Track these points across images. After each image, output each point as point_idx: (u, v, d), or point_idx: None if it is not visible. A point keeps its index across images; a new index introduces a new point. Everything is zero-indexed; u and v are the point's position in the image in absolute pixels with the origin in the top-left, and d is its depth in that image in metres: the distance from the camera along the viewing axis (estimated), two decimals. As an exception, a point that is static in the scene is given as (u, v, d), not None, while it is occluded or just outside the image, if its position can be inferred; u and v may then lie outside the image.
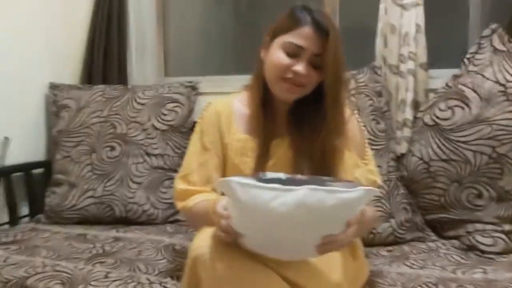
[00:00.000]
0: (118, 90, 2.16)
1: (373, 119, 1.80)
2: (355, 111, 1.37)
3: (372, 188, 0.96)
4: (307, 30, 1.18)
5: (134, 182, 1.98)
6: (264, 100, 1.28)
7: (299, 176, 1.00)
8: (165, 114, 2.07)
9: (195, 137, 1.38)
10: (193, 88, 2.22)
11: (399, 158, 1.80)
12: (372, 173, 1.34)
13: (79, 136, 2.06)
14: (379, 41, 1.86)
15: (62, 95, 2.18)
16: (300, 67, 1.18)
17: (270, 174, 1.00)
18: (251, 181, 0.88)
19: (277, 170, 1.25)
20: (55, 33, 2.23)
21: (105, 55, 2.26)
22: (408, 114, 1.78)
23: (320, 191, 0.87)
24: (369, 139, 1.76)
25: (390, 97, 1.85)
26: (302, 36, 1.18)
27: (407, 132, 1.77)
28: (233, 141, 1.32)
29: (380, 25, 1.85)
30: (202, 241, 1.06)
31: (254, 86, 1.31)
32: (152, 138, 2.04)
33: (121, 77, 2.30)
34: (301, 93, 1.23)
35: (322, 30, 1.16)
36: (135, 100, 2.10)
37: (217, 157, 1.34)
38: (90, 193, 1.97)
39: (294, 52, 1.19)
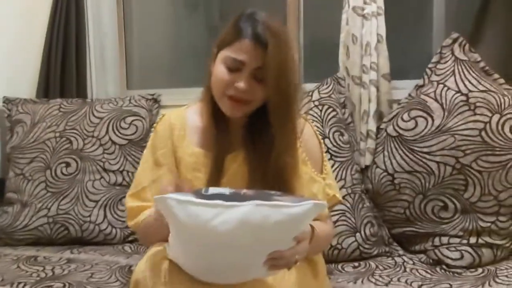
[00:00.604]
0: (76, 104, 2.08)
1: (337, 131, 1.76)
2: (310, 121, 1.31)
3: (320, 202, 0.90)
4: (246, 43, 1.11)
5: (90, 200, 1.89)
6: (217, 113, 1.22)
7: (244, 191, 0.94)
8: (124, 128, 1.99)
9: (147, 152, 1.31)
10: (155, 101, 2.15)
11: (363, 170, 1.76)
12: (331, 187, 1.29)
13: (33, 152, 1.96)
14: (341, 51, 1.83)
15: (17, 110, 2.08)
16: (241, 84, 1.12)
17: (212, 190, 0.93)
18: (190, 198, 0.81)
19: (231, 186, 1.20)
20: (9, 45, 2.14)
21: (62, 68, 2.17)
22: (372, 125, 1.74)
23: (265, 207, 0.81)
24: (333, 151, 1.72)
25: (353, 108, 1.81)
26: (241, 50, 1.12)
27: (371, 143, 1.73)
28: (186, 155, 1.26)
29: (342, 35, 1.82)
30: (144, 264, 0.98)
31: (205, 99, 1.25)
32: (110, 154, 1.96)
33: (80, 90, 2.21)
34: (245, 110, 1.17)
35: (261, 43, 1.10)
36: (93, 114, 2.02)
37: (171, 173, 1.27)
38: (43, 212, 1.87)
39: (235, 67, 1.13)
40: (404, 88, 1.86)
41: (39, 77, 2.20)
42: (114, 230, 1.87)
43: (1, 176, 2.08)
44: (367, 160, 1.73)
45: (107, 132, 1.98)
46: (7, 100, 2.12)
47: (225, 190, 0.93)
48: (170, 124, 1.29)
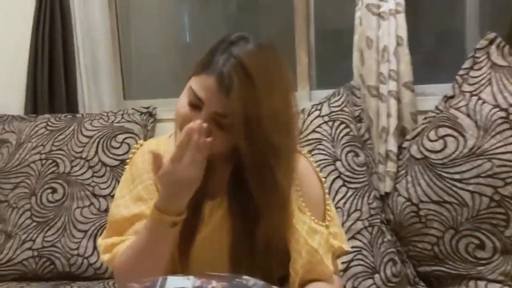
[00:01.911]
0: (64, 121, 1.90)
1: (351, 151, 1.50)
2: (306, 153, 1.06)
3: None
4: (210, 80, 0.88)
5: (78, 230, 1.71)
6: None
7: (213, 285, 0.71)
8: (115, 147, 1.80)
9: (122, 188, 1.09)
10: (150, 114, 1.94)
11: (383, 197, 1.50)
12: (336, 236, 1.05)
13: (18, 177, 1.80)
14: (355, 56, 1.56)
15: (3, 128, 1.92)
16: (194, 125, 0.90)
17: (173, 281, 0.71)
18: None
19: (208, 244, 0.98)
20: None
21: (50, 80, 1.99)
22: (392, 144, 1.48)
23: None
24: (346, 175, 1.47)
25: (371, 122, 1.55)
26: (203, 86, 0.89)
27: (391, 166, 1.47)
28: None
29: (356, 37, 1.55)
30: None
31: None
32: (100, 177, 1.77)
33: (71, 104, 2.02)
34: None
35: (224, 87, 0.87)
36: (81, 132, 1.83)
37: None
38: (28, 245, 1.71)
39: (195, 103, 0.91)
40: (432, 95, 1.59)
41: (26, 91, 2.03)
42: (105, 264, 1.69)
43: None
44: (387, 186, 1.47)
45: (96, 152, 1.79)
46: (-7, 117, 1.96)
47: (188, 283, 0.70)
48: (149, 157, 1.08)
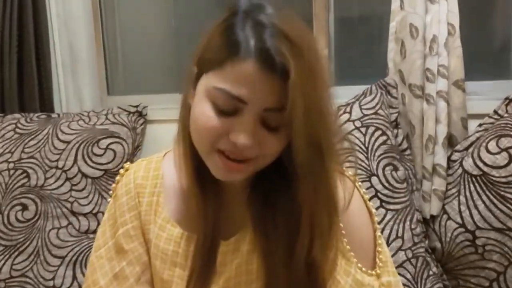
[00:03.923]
0: (36, 122, 1.60)
1: (389, 164, 1.23)
2: (352, 175, 0.80)
3: None
4: (249, 67, 0.61)
5: (54, 256, 1.44)
6: (204, 170, 0.73)
7: None
8: (98, 155, 1.51)
9: (104, 230, 0.83)
10: (140, 114, 1.65)
11: (427, 221, 1.24)
12: (390, 286, 0.78)
13: (-20, 191, 1.50)
14: (393, 48, 1.28)
15: (-38, 130, 1.61)
16: (240, 138, 0.64)
17: None
18: None
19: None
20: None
21: (19, 73, 1.68)
22: (441, 157, 1.21)
23: None
24: (383, 194, 1.20)
25: (411, 129, 1.28)
26: (240, 78, 0.62)
27: (439, 183, 1.21)
28: (161, 239, 0.78)
29: (393, 25, 1.27)
30: None
31: (183, 148, 0.75)
32: (79, 190, 1.49)
33: (45, 101, 1.73)
34: (248, 171, 0.69)
35: (276, 67, 0.60)
36: (57, 137, 1.53)
37: (140, 264, 0.80)
38: (-7, 275, 1.41)
39: (230, 108, 0.64)
40: (483, 94, 1.32)
41: (-9, 86, 1.71)
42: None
43: None
44: (433, 207, 1.21)
45: (75, 161, 1.50)
46: (-47, 117, 1.65)
47: None
48: (136, 186, 0.82)
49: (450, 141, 1.26)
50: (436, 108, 1.20)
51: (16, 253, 1.43)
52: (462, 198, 1.18)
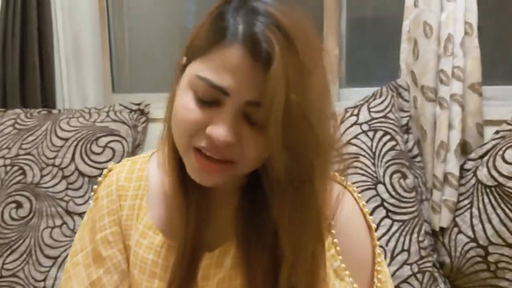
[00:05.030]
0: (37, 118, 1.56)
1: (397, 172, 1.15)
2: (350, 185, 0.72)
3: None
4: (234, 52, 0.56)
5: (46, 256, 1.39)
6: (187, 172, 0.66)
7: None
8: (96, 153, 1.46)
9: (83, 235, 0.78)
10: (142, 112, 1.60)
11: (436, 234, 1.16)
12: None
13: (-23, 186, 1.46)
14: (405, 47, 1.20)
15: (-36, 124, 1.58)
16: (218, 130, 0.57)
17: None
18: None
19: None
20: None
21: (21, 67, 1.65)
22: (453, 165, 1.13)
23: None
24: (390, 203, 1.13)
25: (423, 135, 1.20)
26: (224, 66, 0.56)
27: (450, 194, 1.12)
28: (141, 247, 0.72)
29: (406, 23, 1.19)
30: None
31: (166, 146, 0.69)
32: (76, 189, 1.44)
33: (47, 97, 1.69)
34: (226, 176, 0.61)
35: (262, 54, 0.54)
36: (55, 133, 1.49)
37: (118, 273, 0.74)
38: (-17, 273, 1.37)
39: (211, 98, 0.58)
40: (499, 100, 1.23)
41: (-5, 81, 1.68)
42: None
43: None
44: (443, 219, 1.13)
45: (72, 159, 1.45)
46: (-46, 111, 1.62)
47: None
48: (118, 188, 0.75)
49: (464, 149, 1.18)
50: (449, 113, 1.12)
51: (8, 251, 1.39)
52: (474, 210, 1.09)
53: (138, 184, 0.75)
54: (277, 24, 0.55)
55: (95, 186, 0.78)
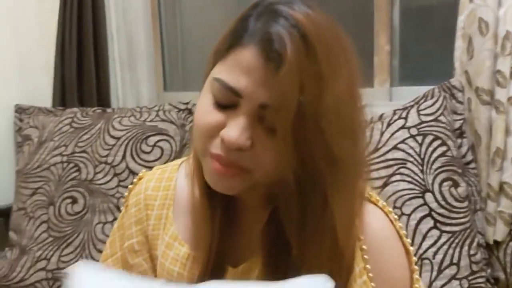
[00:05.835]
0: (91, 116, 1.63)
1: (447, 179, 1.08)
2: (383, 203, 0.67)
3: None
4: (249, 55, 0.54)
5: (98, 251, 1.45)
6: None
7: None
8: (146, 152, 1.50)
9: (114, 238, 0.81)
10: (189, 112, 1.61)
11: (490, 247, 1.07)
12: None
13: (37, 182, 1.56)
14: (460, 45, 1.12)
15: (28, 122, 1.69)
16: (229, 132, 0.55)
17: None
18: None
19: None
20: (23, 43, 1.72)
21: (79, 68, 1.72)
22: (509, 174, 1.04)
23: None
24: (439, 213, 1.06)
25: (477, 140, 1.11)
26: (238, 67, 0.55)
27: (507, 205, 1.03)
28: (165, 256, 0.72)
29: (461, 19, 1.10)
30: None
31: (192, 150, 0.69)
32: (126, 187, 1.46)
33: (102, 96, 1.75)
34: (240, 184, 0.59)
35: (273, 57, 0.52)
36: (108, 132, 1.54)
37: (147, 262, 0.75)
38: (42, 264, 1.47)
39: (226, 101, 0.57)
40: None
41: (54, 81, 1.77)
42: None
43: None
44: (498, 232, 1.05)
45: (123, 157, 1.50)
46: (19, 109, 1.73)
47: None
48: (146, 197, 0.75)
49: (524, 157, 1.08)
50: (506, 117, 1.03)
51: (64, 245, 1.47)
52: (534, 224, 1.00)
53: (165, 193, 0.75)
54: (297, 26, 0.52)
55: (125, 193, 0.80)
